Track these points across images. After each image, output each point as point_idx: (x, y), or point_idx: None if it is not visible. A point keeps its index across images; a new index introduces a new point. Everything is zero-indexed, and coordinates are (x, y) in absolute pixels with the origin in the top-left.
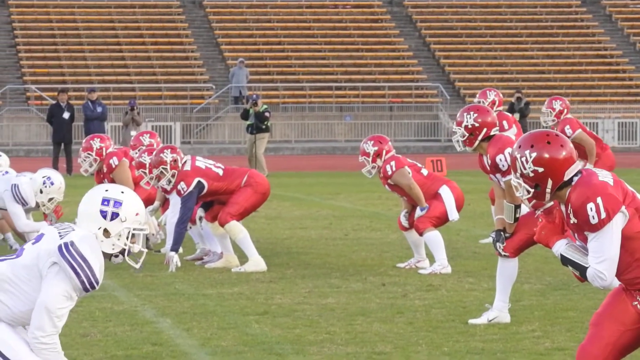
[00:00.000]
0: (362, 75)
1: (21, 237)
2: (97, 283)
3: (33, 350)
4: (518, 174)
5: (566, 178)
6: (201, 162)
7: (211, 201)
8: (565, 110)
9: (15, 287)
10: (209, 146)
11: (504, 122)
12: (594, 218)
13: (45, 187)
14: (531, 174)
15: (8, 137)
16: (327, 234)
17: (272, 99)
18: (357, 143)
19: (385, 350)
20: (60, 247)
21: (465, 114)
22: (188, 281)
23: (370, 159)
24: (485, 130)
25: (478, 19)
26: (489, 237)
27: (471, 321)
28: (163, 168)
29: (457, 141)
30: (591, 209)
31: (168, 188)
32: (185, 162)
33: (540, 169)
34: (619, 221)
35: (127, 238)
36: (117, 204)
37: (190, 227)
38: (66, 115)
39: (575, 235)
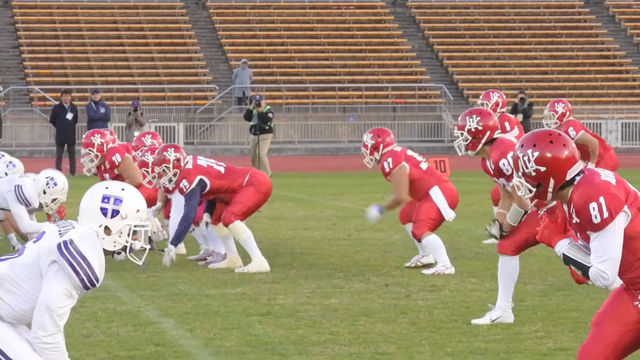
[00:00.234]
0: (365, 75)
1: (24, 238)
2: (97, 281)
3: (36, 350)
4: (520, 173)
5: (568, 177)
6: (202, 161)
7: (214, 203)
8: (568, 113)
9: (16, 285)
10: (213, 147)
11: (506, 124)
12: (596, 217)
13: (49, 187)
14: (533, 173)
15: (11, 138)
16: (330, 235)
17: (275, 99)
18: (360, 144)
19: (388, 350)
20: (59, 246)
21: (467, 117)
22: (191, 282)
23: (368, 151)
24: (488, 133)
25: (481, 19)
26: (486, 231)
27: (474, 321)
28: (165, 166)
29: (459, 145)
30: (594, 208)
31: (170, 187)
32: (187, 162)
33: (543, 168)
34: (622, 221)
35: (129, 235)
36: (118, 201)
37: (194, 229)
38: (69, 116)
39: (578, 234)
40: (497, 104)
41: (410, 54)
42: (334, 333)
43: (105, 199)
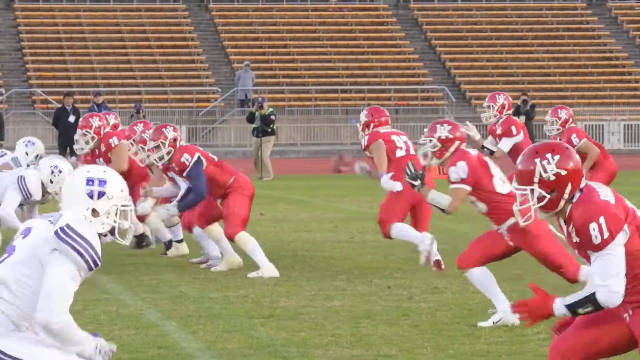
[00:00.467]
0: (367, 78)
1: None
2: (100, 260)
3: (48, 336)
4: (536, 180)
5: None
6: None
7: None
8: (570, 119)
9: (21, 285)
10: (215, 149)
11: (512, 127)
12: (596, 238)
13: (54, 176)
14: (552, 177)
15: (14, 141)
16: (332, 237)
17: (278, 102)
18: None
19: (391, 352)
20: (57, 233)
21: (438, 125)
22: (193, 284)
23: (360, 128)
24: (457, 143)
25: (484, 21)
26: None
27: (480, 324)
28: (162, 142)
29: (425, 152)
30: (594, 229)
31: (159, 164)
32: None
33: (564, 172)
34: (621, 239)
35: (117, 215)
36: (102, 182)
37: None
38: (72, 118)
39: (577, 251)
40: (503, 106)
41: (413, 56)
42: (336, 335)
43: (90, 181)
